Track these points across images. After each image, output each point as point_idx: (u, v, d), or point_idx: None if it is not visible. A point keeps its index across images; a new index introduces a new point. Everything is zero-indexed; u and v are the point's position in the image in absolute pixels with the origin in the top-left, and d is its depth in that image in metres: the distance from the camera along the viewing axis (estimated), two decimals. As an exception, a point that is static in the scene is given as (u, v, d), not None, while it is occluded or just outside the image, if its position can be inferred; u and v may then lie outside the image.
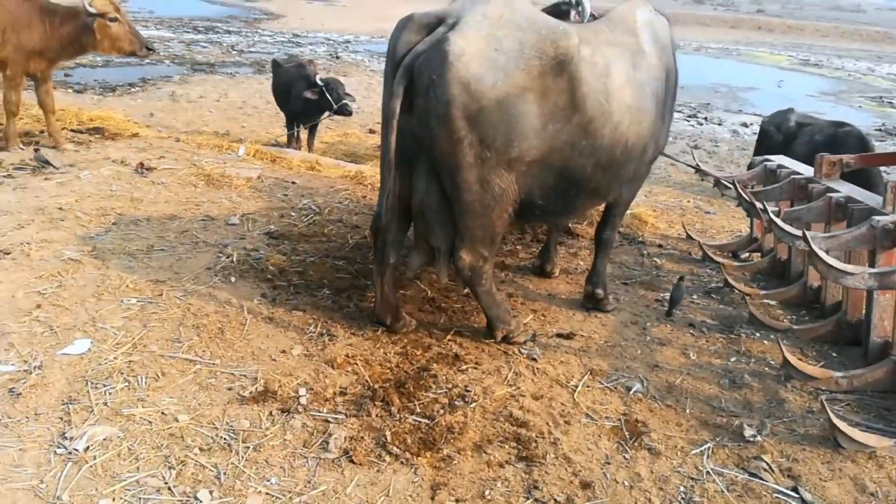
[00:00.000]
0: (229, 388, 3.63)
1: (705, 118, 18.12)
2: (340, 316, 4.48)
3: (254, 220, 5.95)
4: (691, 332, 4.75)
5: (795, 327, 4.72)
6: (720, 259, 5.96)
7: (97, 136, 8.36)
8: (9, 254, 4.75)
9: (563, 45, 3.67)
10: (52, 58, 7.09)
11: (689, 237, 6.63)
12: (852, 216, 4.50)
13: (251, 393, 3.60)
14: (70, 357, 3.72)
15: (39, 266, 4.63)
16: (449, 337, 4.38)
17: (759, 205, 4.61)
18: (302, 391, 3.65)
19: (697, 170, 6.09)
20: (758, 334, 4.71)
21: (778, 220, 4.27)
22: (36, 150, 6.92)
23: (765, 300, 5.26)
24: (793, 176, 5.44)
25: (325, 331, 4.27)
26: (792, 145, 8.92)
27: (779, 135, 9.38)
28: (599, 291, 4.90)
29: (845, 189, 4.92)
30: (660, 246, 6.40)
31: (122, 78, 16.64)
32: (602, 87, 3.89)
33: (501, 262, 5.69)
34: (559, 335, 4.56)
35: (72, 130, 8.43)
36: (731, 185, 5.38)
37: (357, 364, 3.94)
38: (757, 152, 9.72)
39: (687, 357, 4.41)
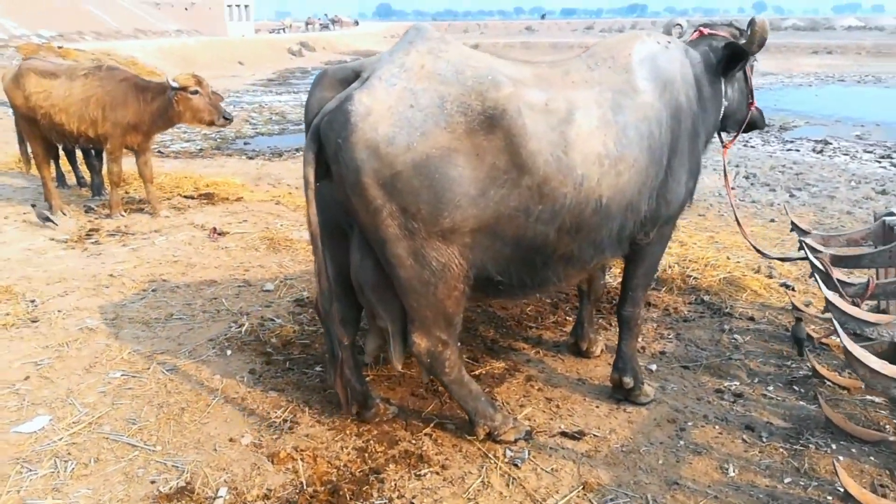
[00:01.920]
0: (152, 482, 3.33)
1: (904, 159, 15.61)
2: (319, 399, 4.06)
3: (291, 285, 5.78)
4: (745, 436, 3.72)
5: (892, 439, 3.52)
6: (822, 339, 4.74)
7: (205, 200, 8.83)
8: (35, 322, 4.94)
9: (492, 98, 3.04)
10: (146, 131, 7.59)
11: (795, 308, 5.40)
12: (963, 294, 3.28)
13: (171, 489, 3.27)
14: (20, 435, 3.66)
15: (54, 335, 4.75)
16: (428, 430, 3.77)
17: (823, 273, 3.53)
18: (223, 491, 3.26)
19: (793, 228, 4.94)
20: (833, 446, 3.57)
21: (837, 301, 3.20)
22: (33, 206, 7.42)
23: (867, 397, 4.04)
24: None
25: (290, 416, 3.87)
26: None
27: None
28: (628, 380, 4.03)
29: (971, 255, 3.66)
30: (751, 319, 5.25)
31: (292, 144, 17.92)
32: (560, 138, 3.19)
33: (539, 337, 4.97)
34: (564, 434, 3.76)
35: (184, 196, 8.98)
36: (806, 247, 4.24)
37: (300, 460, 3.47)
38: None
39: (723, 473, 3.42)
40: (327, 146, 3.07)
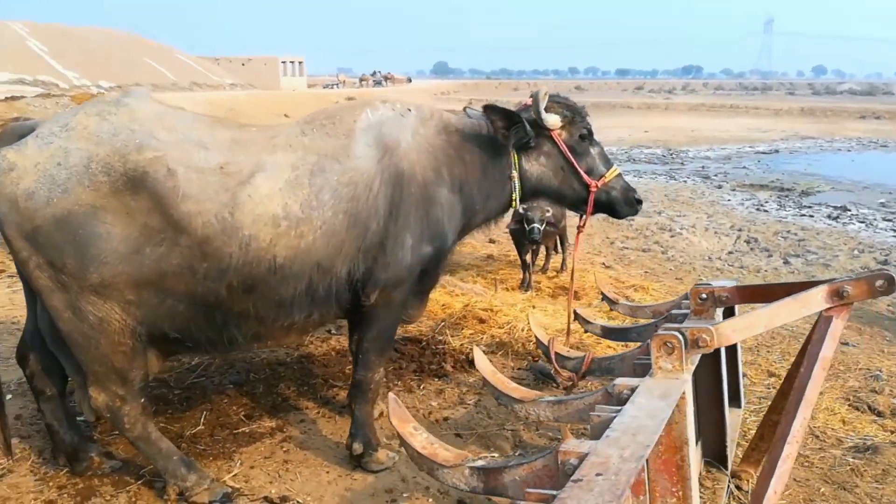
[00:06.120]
0: None
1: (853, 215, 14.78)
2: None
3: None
4: (449, 513, 3.53)
5: None
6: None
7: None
8: None
9: (133, 160, 3.13)
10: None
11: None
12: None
13: None
14: None
15: None
16: (134, 486, 3.72)
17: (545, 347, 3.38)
18: None
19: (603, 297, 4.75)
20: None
21: (491, 377, 3.05)
22: None
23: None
24: (674, 310, 3.99)
25: (10, 465, 3.89)
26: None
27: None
28: (357, 446, 3.89)
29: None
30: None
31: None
32: (229, 199, 3.24)
33: (334, 397, 4.87)
34: (267, 499, 3.65)
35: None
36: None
37: (-21, 509, 3.48)
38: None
39: (394, 552, 3.24)
40: None
